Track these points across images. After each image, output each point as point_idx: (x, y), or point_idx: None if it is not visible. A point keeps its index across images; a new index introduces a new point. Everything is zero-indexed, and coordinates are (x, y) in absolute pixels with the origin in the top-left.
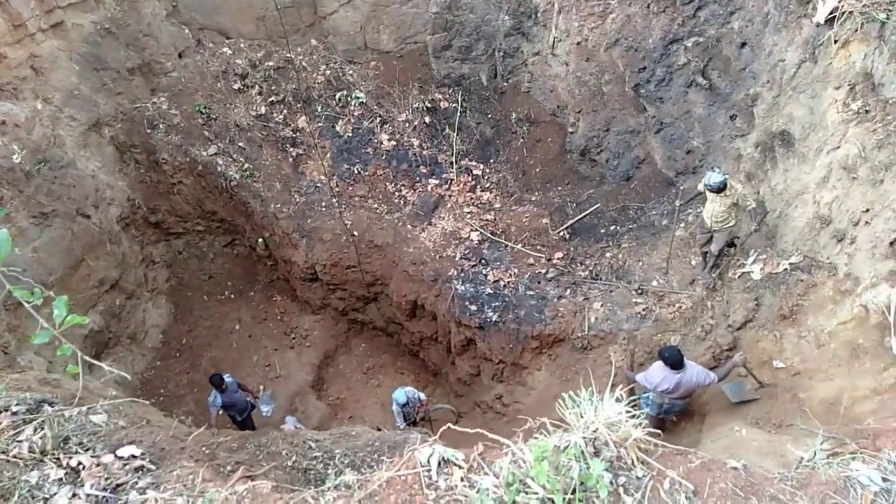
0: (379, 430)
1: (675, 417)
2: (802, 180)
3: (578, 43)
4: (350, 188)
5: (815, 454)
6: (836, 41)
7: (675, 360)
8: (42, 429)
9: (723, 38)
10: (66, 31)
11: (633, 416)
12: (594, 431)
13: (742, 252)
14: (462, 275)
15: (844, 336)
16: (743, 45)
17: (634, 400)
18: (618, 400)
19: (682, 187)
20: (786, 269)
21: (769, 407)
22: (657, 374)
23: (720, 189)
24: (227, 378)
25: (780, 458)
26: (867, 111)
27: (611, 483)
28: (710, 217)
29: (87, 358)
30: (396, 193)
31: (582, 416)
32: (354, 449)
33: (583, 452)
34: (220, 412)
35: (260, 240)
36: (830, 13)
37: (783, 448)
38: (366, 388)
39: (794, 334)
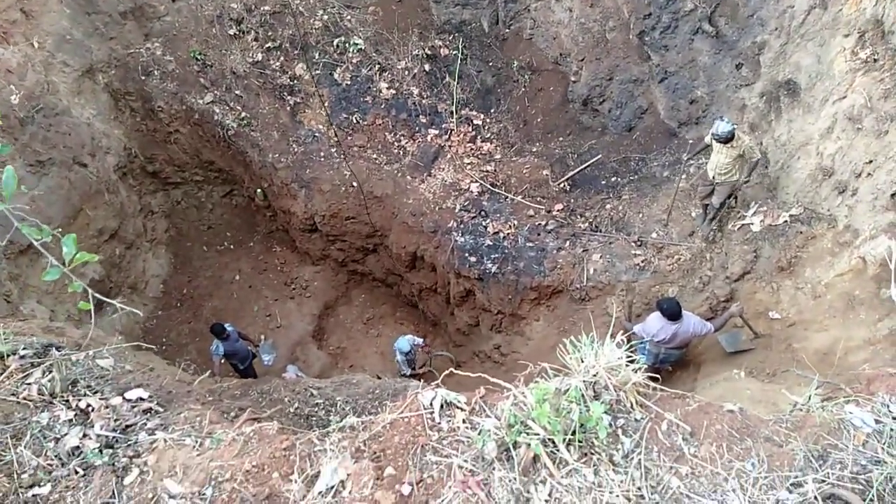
0: (379, 378)
1: (671, 367)
2: (807, 131)
3: None
4: (349, 138)
5: (809, 398)
6: None
7: (672, 312)
8: (50, 372)
9: None
10: None
11: (632, 361)
12: (594, 375)
13: (742, 204)
14: (462, 226)
15: (841, 287)
16: None
17: (632, 346)
18: (618, 345)
19: (686, 137)
20: (786, 220)
21: (764, 357)
22: (654, 325)
23: (728, 139)
24: (228, 327)
25: (773, 406)
26: (875, 60)
27: (610, 425)
28: (714, 169)
29: (97, 295)
30: (396, 143)
31: (582, 361)
32: (355, 396)
33: (583, 395)
34: (223, 361)
35: (258, 190)
36: None
37: (776, 396)
38: (366, 337)
39: (792, 286)
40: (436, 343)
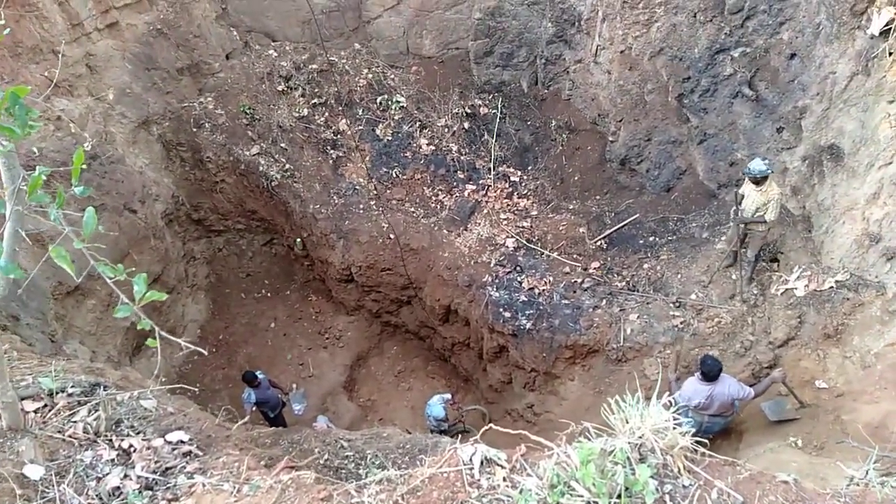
0: (409, 433)
1: (712, 435)
2: (851, 196)
3: (622, 51)
4: (388, 191)
5: (867, 473)
6: (890, 53)
7: (710, 369)
8: (96, 410)
9: (771, 49)
10: (121, 30)
11: (679, 424)
12: (640, 437)
13: (785, 268)
14: (496, 281)
15: (892, 358)
16: (792, 56)
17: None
18: (665, 407)
19: (726, 199)
20: (831, 286)
21: (810, 428)
22: (689, 389)
23: (758, 180)
24: (260, 375)
25: (822, 481)
26: None
27: (656, 490)
28: (742, 211)
29: (164, 334)
30: (433, 198)
31: (627, 422)
32: (385, 450)
33: (628, 458)
34: (254, 409)
35: (298, 240)
36: (886, 25)
37: (825, 470)
38: (397, 391)
39: (839, 354)
40: (467, 399)
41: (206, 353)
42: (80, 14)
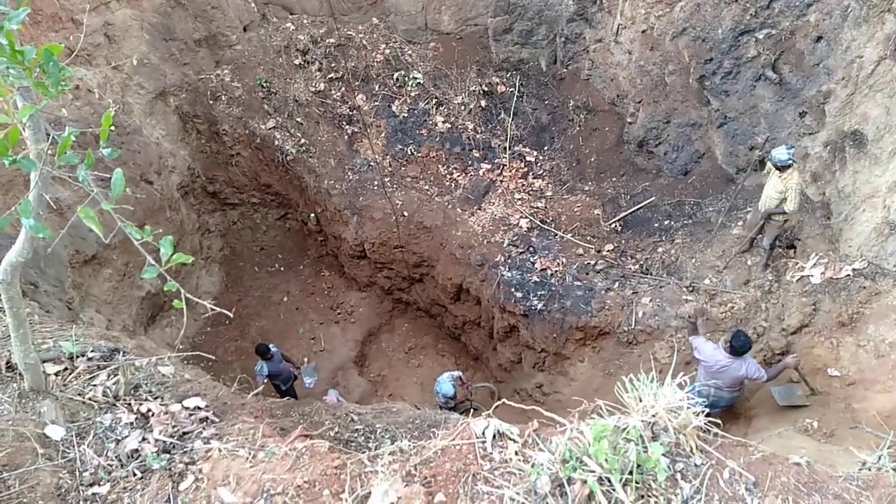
0: (418, 408)
1: (720, 419)
2: (873, 183)
3: (643, 31)
4: (402, 168)
5: (879, 458)
6: None
7: (742, 345)
8: (115, 375)
9: (797, 31)
10: (139, 0)
11: (693, 405)
12: (653, 416)
13: (802, 255)
14: (509, 261)
15: None
16: (818, 39)
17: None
18: (679, 386)
19: (746, 185)
20: (848, 274)
21: (820, 415)
22: (706, 350)
23: (780, 168)
24: (273, 348)
25: (831, 468)
26: None
27: (668, 468)
28: (765, 195)
29: (189, 296)
30: (448, 176)
31: (641, 401)
32: (395, 424)
33: (641, 436)
34: (266, 381)
35: (312, 215)
36: None
37: (834, 458)
38: (407, 367)
39: (853, 343)
40: (476, 378)
41: (230, 314)
42: None
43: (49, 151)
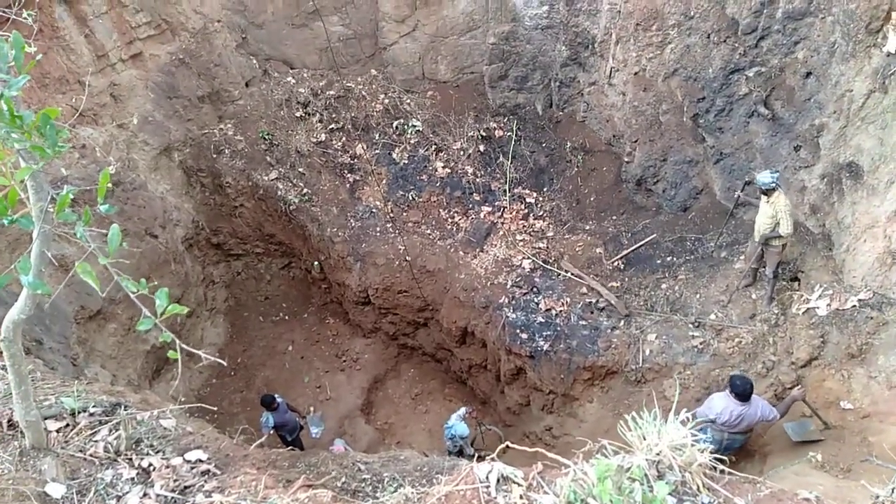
0: (426, 455)
1: (734, 456)
2: (872, 214)
3: (636, 73)
4: (404, 214)
5: (893, 491)
6: None
7: (743, 390)
8: (117, 430)
9: (786, 68)
10: (144, 61)
11: (697, 441)
12: (658, 454)
13: (807, 287)
14: (513, 302)
15: None
16: (808, 74)
17: (697, 423)
18: (683, 423)
19: (745, 218)
20: (854, 305)
21: (836, 450)
22: (719, 404)
23: (765, 190)
24: (278, 398)
25: (848, 503)
26: None
27: None
28: (758, 223)
29: (185, 346)
30: (449, 220)
31: (644, 439)
32: (403, 472)
33: (646, 475)
34: (272, 432)
35: (315, 263)
36: None
37: (852, 493)
38: (414, 413)
39: (864, 374)
40: (484, 421)
41: (224, 363)
42: (106, 45)
43: (50, 209)
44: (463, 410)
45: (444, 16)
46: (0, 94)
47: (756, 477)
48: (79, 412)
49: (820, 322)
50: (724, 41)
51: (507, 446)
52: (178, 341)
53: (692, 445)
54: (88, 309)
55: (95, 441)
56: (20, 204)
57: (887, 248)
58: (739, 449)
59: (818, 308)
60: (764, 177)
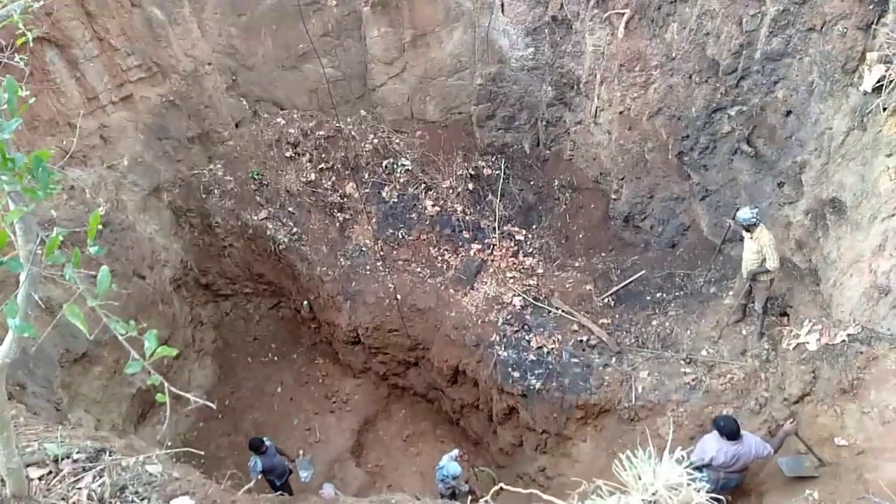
0: (418, 499)
1: (731, 496)
2: (857, 248)
3: (621, 112)
4: (394, 252)
5: None
6: (884, 109)
7: (731, 430)
8: (101, 476)
9: (767, 107)
10: (135, 103)
11: (693, 480)
12: (654, 494)
13: (796, 322)
14: (504, 340)
15: None
16: (788, 113)
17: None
18: (678, 461)
19: (731, 254)
20: (843, 340)
21: (832, 488)
22: (712, 447)
23: (746, 227)
24: (267, 441)
25: None
26: None
27: None
28: (744, 260)
29: (173, 389)
30: (439, 258)
31: (640, 479)
32: None
33: None
34: (260, 476)
35: (305, 302)
36: (878, 81)
37: None
38: (405, 455)
39: (857, 409)
40: (477, 463)
41: (213, 406)
42: (97, 88)
43: (38, 251)
44: (455, 452)
45: (432, 58)
46: None
47: None
48: (62, 458)
49: (810, 357)
50: (706, 81)
51: (501, 488)
52: (166, 384)
53: (688, 485)
54: (73, 352)
55: (79, 489)
56: (9, 246)
57: (873, 283)
58: (735, 488)
59: (808, 343)
60: (744, 213)
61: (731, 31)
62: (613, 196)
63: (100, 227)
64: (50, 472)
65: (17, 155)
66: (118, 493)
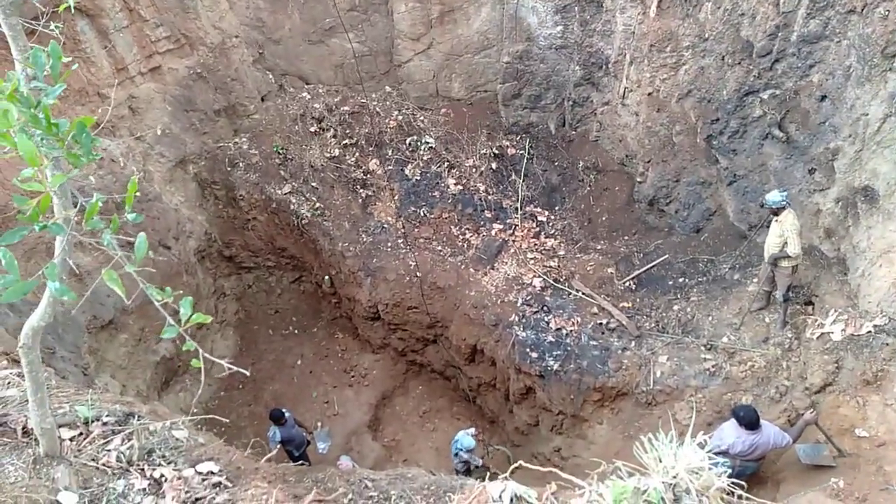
0: (433, 474)
1: (747, 483)
2: (888, 238)
3: (650, 93)
4: (416, 230)
5: None
6: None
7: (750, 420)
8: (130, 440)
9: (801, 91)
10: (163, 74)
11: (715, 465)
12: (674, 477)
13: (821, 311)
14: (523, 321)
15: None
16: (823, 98)
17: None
18: (700, 446)
19: (758, 241)
20: (869, 331)
21: (851, 479)
22: (730, 435)
23: (773, 211)
24: (286, 413)
25: None
26: None
27: None
28: (767, 244)
29: (207, 356)
30: (460, 237)
31: (661, 461)
32: (411, 490)
33: (662, 498)
34: (279, 446)
35: (326, 277)
36: None
37: None
38: (421, 431)
39: (879, 401)
40: (493, 442)
41: (247, 373)
42: (126, 59)
43: (75, 218)
44: (472, 430)
45: (459, 34)
46: (38, 102)
47: (775, 503)
48: (92, 421)
49: (834, 347)
50: (739, 63)
51: (520, 465)
52: (201, 350)
53: (709, 469)
54: (101, 319)
55: (108, 450)
56: (48, 210)
57: None
58: (752, 475)
59: (833, 333)
60: (773, 196)
61: (768, 11)
62: (639, 179)
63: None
64: (81, 433)
65: (61, 121)
66: (146, 457)
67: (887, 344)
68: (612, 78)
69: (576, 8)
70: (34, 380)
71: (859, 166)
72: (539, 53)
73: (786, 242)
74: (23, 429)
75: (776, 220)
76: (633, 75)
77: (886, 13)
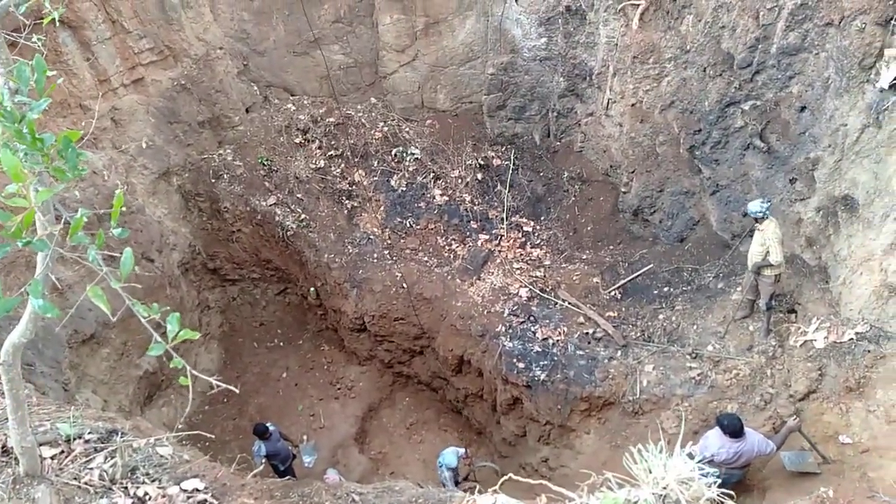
0: (421, 486)
1: (733, 492)
2: (868, 247)
3: (633, 104)
4: (402, 241)
5: None
6: None
7: (734, 428)
8: (113, 457)
9: (781, 102)
10: (146, 86)
11: (705, 475)
12: (664, 488)
13: (803, 319)
14: (510, 331)
15: None
16: (802, 108)
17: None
18: (689, 456)
19: (741, 249)
20: (851, 338)
21: (836, 485)
22: (714, 443)
23: (756, 219)
24: (271, 426)
25: None
26: None
27: None
28: (750, 252)
29: (195, 372)
30: (447, 247)
31: (650, 472)
32: None
33: None
34: (264, 461)
35: (312, 289)
36: (895, 78)
37: None
38: (408, 443)
39: (862, 408)
40: (480, 453)
41: (236, 389)
42: (108, 70)
43: (57, 232)
44: (462, 451)
45: (444, 46)
46: (22, 117)
47: None
48: (74, 438)
49: (817, 355)
50: (720, 75)
51: (510, 477)
52: (189, 368)
53: (699, 479)
54: (82, 333)
55: (90, 469)
56: (31, 226)
57: (883, 282)
58: (737, 483)
59: (815, 340)
60: (754, 205)
61: (748, 24)
62: (623, 189)
63: (110, 210)
64: (62, 451)
65: (46, 135)
66: (129, 474)
67: (869, 351)
68: (596, 89)
69: (560, 20)
70: (14, 398)
71: (839, 176)
72: (523, 65)
73: (768, 251)
74: (2, 448)
75: (758, 230)
76: (617, 87)
77: (863, 26)
